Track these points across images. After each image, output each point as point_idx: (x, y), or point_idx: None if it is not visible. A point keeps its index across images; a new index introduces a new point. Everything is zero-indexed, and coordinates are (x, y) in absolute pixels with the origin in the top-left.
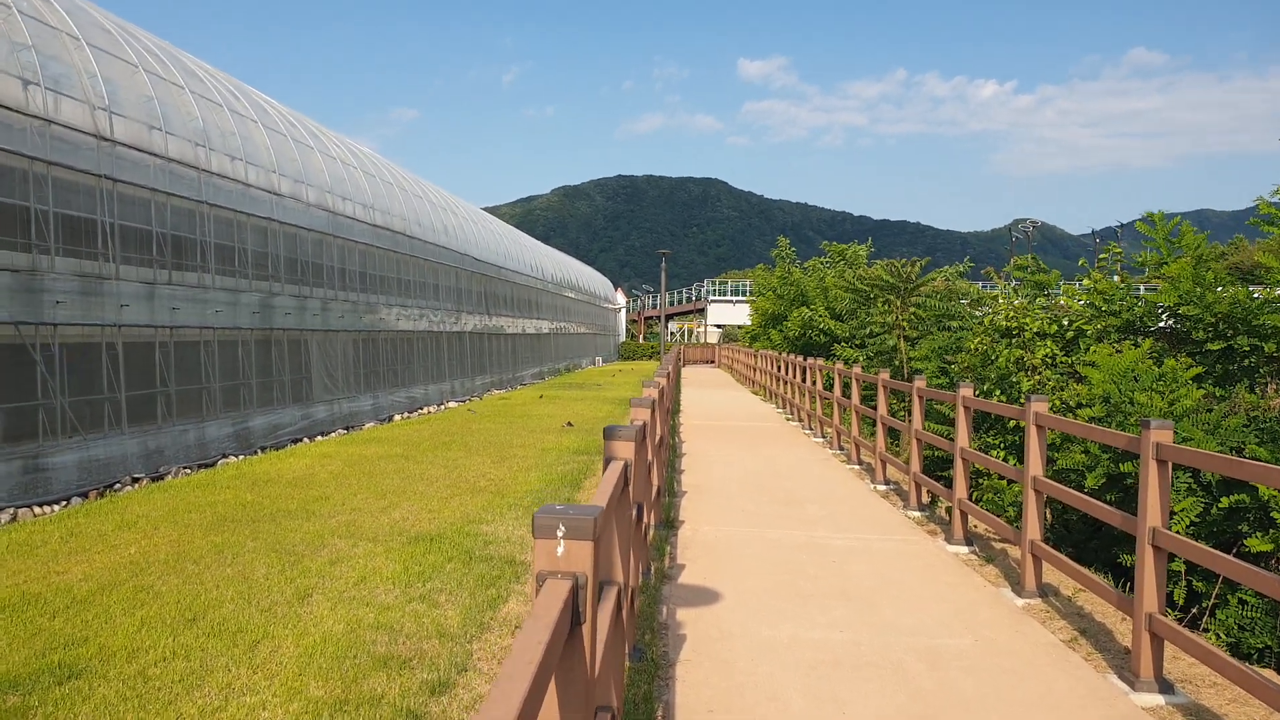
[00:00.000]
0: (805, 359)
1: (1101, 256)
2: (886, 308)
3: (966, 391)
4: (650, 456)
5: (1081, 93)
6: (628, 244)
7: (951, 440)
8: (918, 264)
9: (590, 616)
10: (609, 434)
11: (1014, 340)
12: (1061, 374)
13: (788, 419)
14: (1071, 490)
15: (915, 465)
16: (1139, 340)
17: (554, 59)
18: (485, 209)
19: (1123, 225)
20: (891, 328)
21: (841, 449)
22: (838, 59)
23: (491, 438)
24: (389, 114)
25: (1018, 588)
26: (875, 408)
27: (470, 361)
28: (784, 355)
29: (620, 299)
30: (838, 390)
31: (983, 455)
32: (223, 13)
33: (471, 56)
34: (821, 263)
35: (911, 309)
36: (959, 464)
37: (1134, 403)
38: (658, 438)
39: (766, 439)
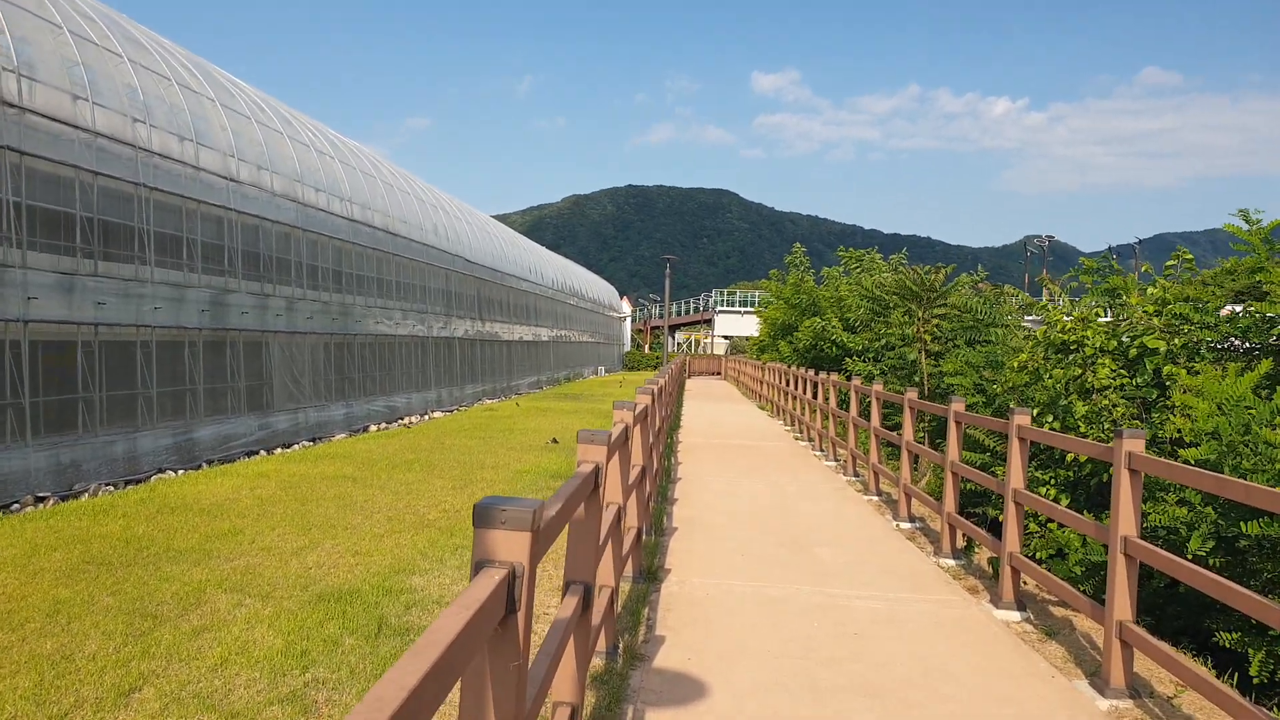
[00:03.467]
0: (817, 373)
1: (1169, 264)
2: (907, 319)
3: (1023, 420)
4: (623, 498)
5: (1094, 111)
6: (637, 254)
7: (994, 475)
8: (943, 271)
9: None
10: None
11: (1072, 357)
12: (1128, 399)
13: (796, 438)
14: (1191, 564)
15: (950, 504)
16: (1251, 363)
17: (567, 70)
18: (495, 216)
19: (1140, 241)
20: (912, 340)
21: (857, 475)
22: (850, 73)
23: (463, 455)
24: (402, 122)
25: (1098, 680)
26: (896, 431)
27: (460, 369)
28: (794, 369)
29: (626, 308)
30: (854, 409)
31: (1049, 504)
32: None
33: (485, 67)
34: (837, 271)
35: (935, 321)
36: (1011, 509)
37: (1266, 443)
38: (639, 469)
39: (772, 461)
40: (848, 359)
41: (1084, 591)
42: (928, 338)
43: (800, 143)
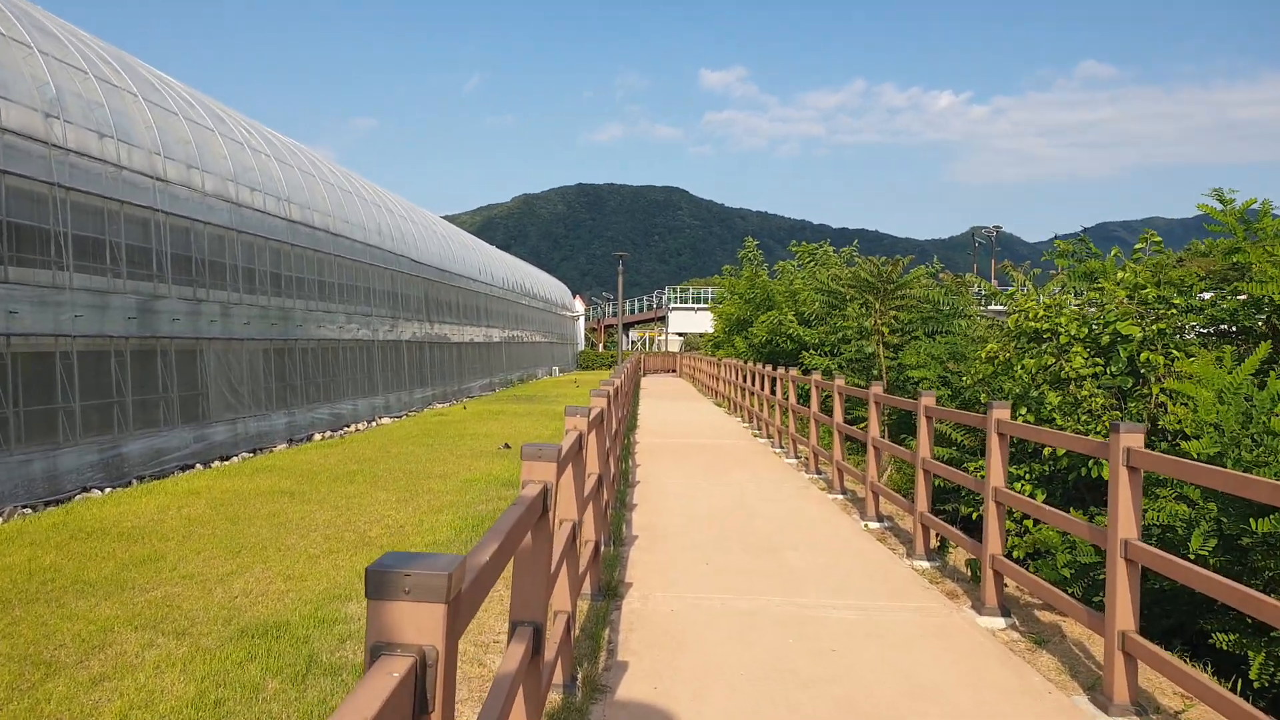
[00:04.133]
0: (775, 368)
1: (1137, 246)
2: (865, 311)
3: (1002, 413)
4: (578, 512)
5: (1034, 103)
6: (589, 252)
7: (965, 470)
8: (900, 262)
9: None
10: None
11: (1044, 346)
12: (1105, 389)
13: (755, 435)
14: (1202, 570)
15: (922, 503)
16: (1241, 349)
17: (514, 67)
18: (445, 217)
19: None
20: (869, 333)
21: (819, 473)
22: (796, 70)
23: (409, 464)
24: (348, 123)
25: (1099, 696)
26: (857, 425)
27: (409, 373)
28: (750, 364)
29: (579, 306)
30: (814, 405)
31: (1036, 504)
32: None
33: (432, 64)
34: (791, 265)
35: (893, 313)
36: (991, 509)
37: (1271, 433)
38: (596, 478)
39: (733, 460)
40: (804, 353)
41: (1073, 595)
42: (885, 330)
43: (748, 139)
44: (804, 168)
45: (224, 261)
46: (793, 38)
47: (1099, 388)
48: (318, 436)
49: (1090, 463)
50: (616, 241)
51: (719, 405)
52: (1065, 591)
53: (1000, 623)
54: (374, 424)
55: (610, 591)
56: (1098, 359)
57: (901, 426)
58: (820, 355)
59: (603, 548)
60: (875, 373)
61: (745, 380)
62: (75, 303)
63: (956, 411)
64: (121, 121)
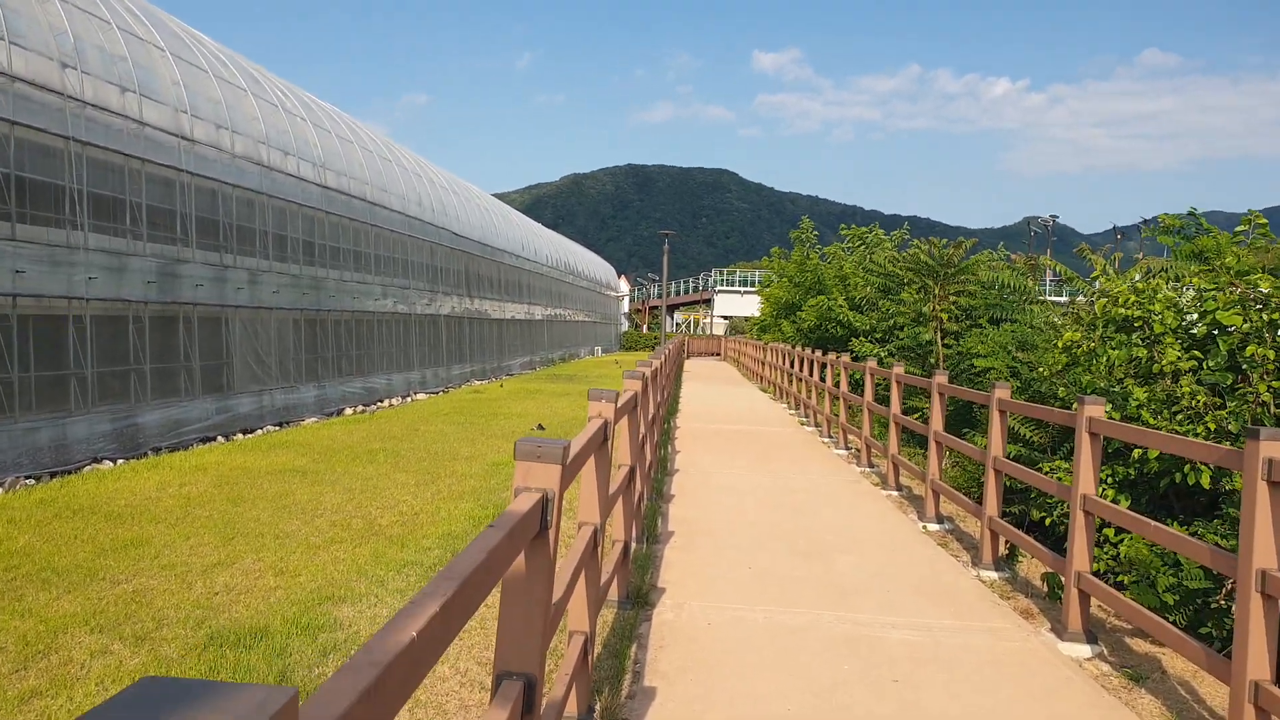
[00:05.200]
0: (824, 354)
1: (1239, 229)
2: (923, 296)
3: (1095, 410)
4: (600, 514)
5: (1093, 92)
6: (636, 233)
7: (1046, 474)
8: (963, 244)
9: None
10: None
11: (1134, 335)
12: (1207, 386)
13: (802, 423)
14: None
15: (992, 507)
16: None
17: (566, 46)
18: (494, 195)
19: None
20: (927, 320)
21: (871, 466)
22: (851, 53)
23: (435, 444)
24: (400, 99)
25: None
26: (913, 417)
27: (447, 348)
28: (799, 349)
29: (624, 287)
30: (868, 394)
31: (1139, 518)
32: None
33: (484, 43)
34: (840, 249)
35: (953, 298)
36: (1079, 520)
37: None
38: (627, 470)
39: (778, 449)
40: (854, 339)
41: (1173, 622)
42: (945, 316)
43: (801, 122)
44: (857, 152)
45: (253, 227)
46: (848, 21)
47: (1197, 384)
48: (349, 411)
49: (1187, 468)
50: (664, 222)
51: (764, 391)
52: (1166, 619)
53: (1086, 650)
54: (408, 399)
55: (640, 599)
56: (1197, 352)
57: (958, 419)
58: (870, 342)
59: (634, 545)
60: (932, 361)
61: (792, 365)
62: (90, 263)
63: (1038, 407)
64: (145, 76)
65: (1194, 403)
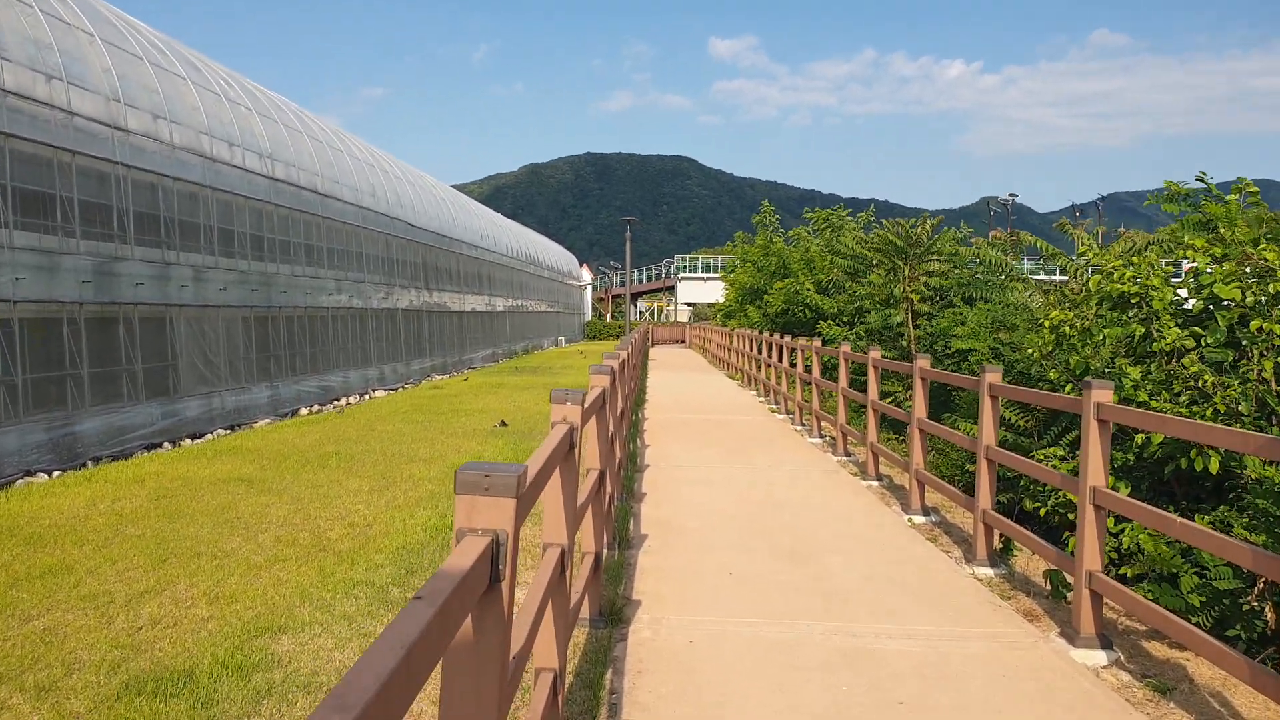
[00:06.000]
0: (795, 339)
1: (1230, 197)
2: (892, 277)
3: (1103, 395)
4: (568, 535)
5: (1046, 73)
6: (597, 222)
7: (1041, 462)
8: (929, 222)
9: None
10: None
11: (1130, 313)
12: (1209, 364)
13: (772, 410)
14: None
15: (985, 499)
16: None
17: (523, 37)
18: (453, 187)
19: (1103, 198)
20: (897, 301)
21: (848, 455)
22: (807, 39)
23: (393, 445)
24: (357, 93)
25: None
26: (889, 402)
27: (405, 343)
28: (768, 335)
29: (586, 276)
30: (843, 380)
31: (1163, 514)
32: None
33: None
34: (806, 232)
35: (923, 278)
36: (1088, 514)
37: None
38: (596, 475)
39: (751, 439)
40: (822, 323)
41: (1197, 624)
42: (915, 298)
43: (758, 108)
44: (814, 137)
45: (197, 222)
46: (803, 6)
47: (1207, 367)
48: (304, 410)
49: (1194, 452)
50: (625, 210)
51: (732, 378)
52: (1189, 621)
53: (1102, 657)
54: (366, 397)
55: (614, 615)
56: (1197, 328)
57: (934, 404)
58: (838, 325)
59: (605, 553)
60: (904, 344)
61: (760, 351)
62: (16, 263)
63: (1033, 392)
64: (73, 65)
65: (1200, 382)
